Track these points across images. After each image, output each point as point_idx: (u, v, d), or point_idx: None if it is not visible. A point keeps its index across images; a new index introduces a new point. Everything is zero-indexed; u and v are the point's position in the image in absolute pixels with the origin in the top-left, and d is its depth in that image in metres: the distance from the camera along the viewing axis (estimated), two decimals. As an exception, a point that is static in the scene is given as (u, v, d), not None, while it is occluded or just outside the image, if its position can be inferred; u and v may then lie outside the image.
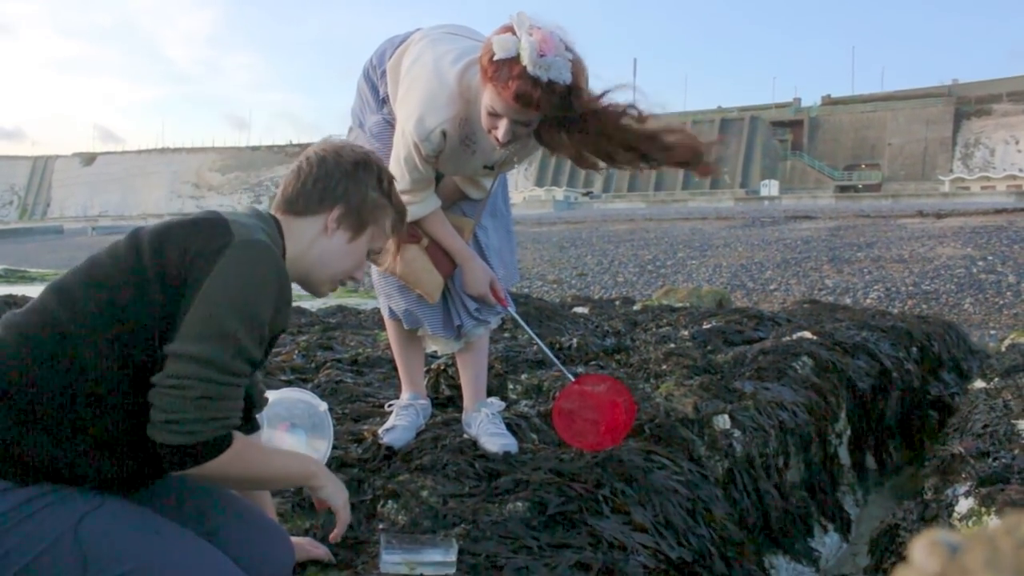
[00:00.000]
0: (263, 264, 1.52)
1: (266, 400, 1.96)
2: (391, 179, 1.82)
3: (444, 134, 2.40)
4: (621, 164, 2.35)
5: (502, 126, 2.25)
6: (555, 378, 3.70)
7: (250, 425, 1.83)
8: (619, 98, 2.28)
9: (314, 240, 1.74)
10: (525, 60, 2.12)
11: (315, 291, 1.84)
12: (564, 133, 2.27)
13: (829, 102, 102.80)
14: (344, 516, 1.79)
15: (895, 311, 8.75)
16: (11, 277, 19.58)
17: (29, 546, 1.38)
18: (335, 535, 1.84)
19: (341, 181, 1.74)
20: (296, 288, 1.78)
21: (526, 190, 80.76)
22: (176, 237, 1.52)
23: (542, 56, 2.11)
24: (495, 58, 2.17)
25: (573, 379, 2.80)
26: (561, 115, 2.22)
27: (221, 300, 1.46)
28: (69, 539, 1.41)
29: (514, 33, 2.16)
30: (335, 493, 1.76)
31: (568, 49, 2.17)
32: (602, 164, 2.36)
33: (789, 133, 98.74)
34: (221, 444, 1.47)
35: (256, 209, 1.74)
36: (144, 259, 1.49)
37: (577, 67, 2.19)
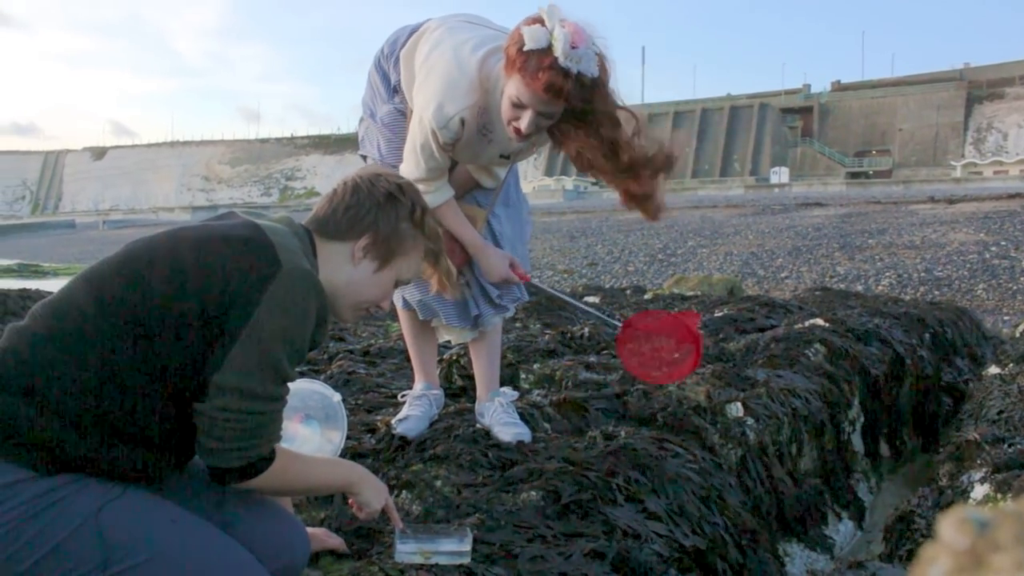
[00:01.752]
0: (309, 295, 1.55)
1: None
2: (425, 209, 1.82)
3: (463, 122, 2.39)
4: (600, 173, 2.37)
5: (526, 117, 2.24)
6: (567, 367, 3.70)
7: None
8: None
9: (341, 266, 1.74)
10: (558, 51, 2.12)
11: (339, 317, 1.83)
12: (575, 128, 2.27)
13: (839, 88, 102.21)
14: (392, 516, 1.92)
15: (907, 298, 8.71)
16: (25, 271, 19.70)
17: (51, 533, 1.40)
18: (394, 520, 1.93)
19: (371, 211, 1.74)
20: None
21: (535, 180, 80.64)
22: (220, 255, 1.52)
23: (574, 48, 2.11)
24: (525, 48, 2.16)
25: (619, 324, 2.74)
26: (581, 108, 2.21)
27: (270, 334, 1.49)
28: (90, 527, 1.42)
29: (543, 24, 2.15)
30: (372, 499, 1.81)
31: (596, 43, 2.17)
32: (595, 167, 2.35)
33: (799, 120, 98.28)
34: (266, 463, 1.56)
35: (292, 223, 1.74)
36: (185, 268, 1.49)
37: (602, 61, 2.19)
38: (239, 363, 1.47)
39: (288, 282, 1.51)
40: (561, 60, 2.12)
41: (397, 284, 1.83)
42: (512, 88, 2.23)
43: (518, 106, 2.25)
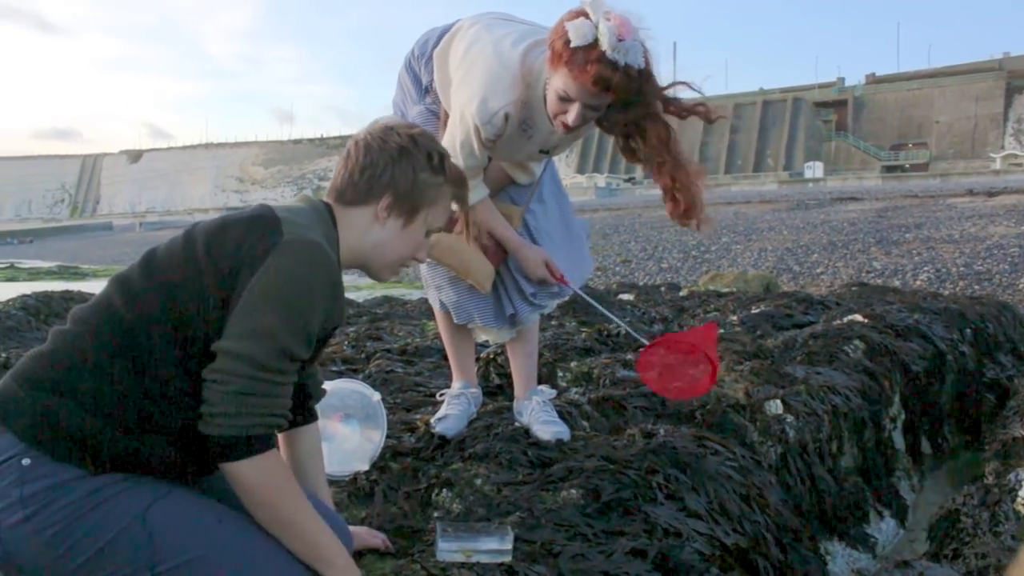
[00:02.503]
0: (310, 263, 1.52)
1: (324, 391, 1.98)
2: (443, 154, 1.77)
3: (507, 117, 2.38)
4: (644, 165, 2.38)
5: (573, 110, 2.24)
6: (604, 365, 3.70)
7: (307, 414, 1.86)
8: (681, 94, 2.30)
9: (367, 230, 1.73)
10: (604, 45, 2.11)
11: (375, 278, 1.83)
12: (626, 117, 2.28)
13: (873, 80, 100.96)
14: None
15: (946, 292, 8.58)
16: (65, 273, 20.05)
17: (100, 533, 1.42)
18: None
19: (387, 169, 1.70)
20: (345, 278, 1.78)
21: (567, 177, 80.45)
22: (229, 236, 1.54)
23: (620, 40, 2.11)
24: (572, 43, 2.16)
25: (647, 343, 2.69)
26: (630, 97, 2.22)
27: (263, 299, 1.47)
28: (138, 526, 1.45)
29: (588, 18, 2.15)
30: None
31: (640, 34, 2.17)
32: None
33: (833, 114, 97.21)
34: (257, 442, 1.48)
35: (311, 199, 1.73)
36: (199, 257, 1.52)
37: (647, 52, 2.19)
38: (234, 329, 1.47)
39: (289, 251, 1.51)
40: (609, 53, 2.11)
41: (428, 234, 1.81)
42: (559, 82, 2.23)
43: (565, 99, 2.25)
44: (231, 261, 1.50)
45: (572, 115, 2.25)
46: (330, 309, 1.58)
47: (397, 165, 1.70)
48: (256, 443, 1.48)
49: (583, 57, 2.14)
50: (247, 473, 1.48)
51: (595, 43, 2.13)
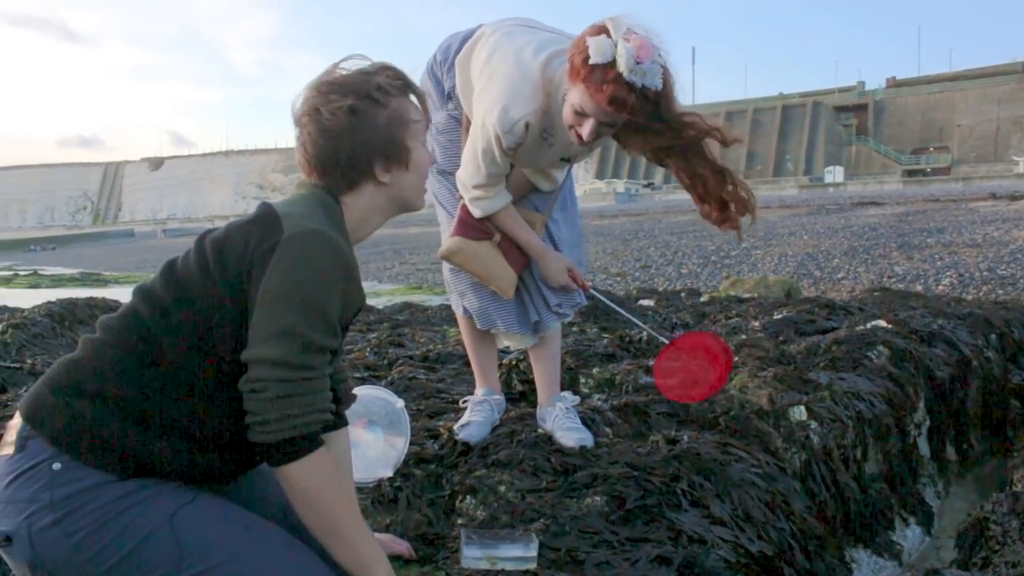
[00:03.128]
0: (315, 253, 1.51)
1: (354, 397, 1.99)
2: (379, 84, 1.66)
3: (527, 126, 2.40)
4: (676, 175, 2.44)
5: (588, 125, 2.25)
6: (627, 371, 3.69)
7: (338, 419, 1.87)
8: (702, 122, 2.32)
9: (379, 197, 1.72)
10: (622, 67, 2.12)
11: (410, 211, 1.82)
12: (638, 136, 2.29)
13: (894, 84, 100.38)
14: None
15: (970, 297, 8.51)
16: (87, 280, 20.22)
17: (128, 537, 1.44)
18: None
19: (352, 145, 1.65)
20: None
21: (587, 183, 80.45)
22: (233, 242, 1.55)
23: (639, 63, 2.11)
24: (590, 61, 2.16)
25: (667, 342, 2.73)
26: (646, 119, 2.22)
27: (277, 300, 1.48)
28: (165, 531, 1.46)
29: (609, 35, 2.15)
30: None
31: (660, 55, 2.17)
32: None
33: (853, 118, 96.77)
34: (302, 443, 1.50)
35: (314, 190, 1.70)
36: (210, 267, 1.53)
37: (666, 73, 2.19)
38: (257, 336, 1.48)
39: (291, 247, 1.50)
40: (626, 75, 2.12)
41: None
42: (575, 97, 2.24)
43: (580, 114, 2.26)
44: (238, 267, 1.51)
45: (586, 130, 2.26)
46: (346, 293, 1.57)
47: (359, 133, 1.65)
48: (301, 443, 1.50)
49: (600, 76, 2.15)
50: (297, 474, 1.50)
51: (613, 63, 2.14)
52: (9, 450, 1.47)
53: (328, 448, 1.86)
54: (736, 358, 4.01)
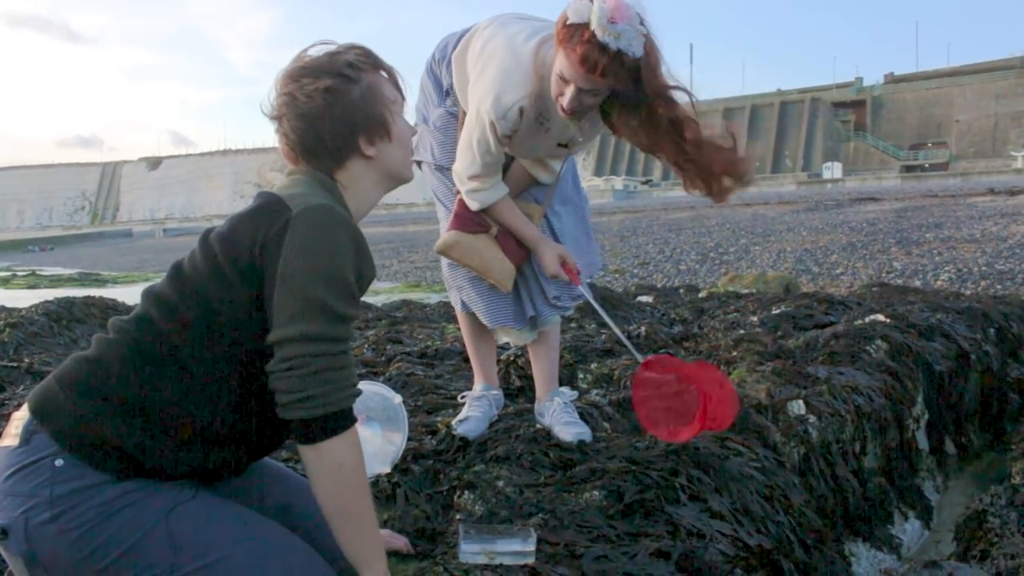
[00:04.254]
0: (327, 224, 1.52)
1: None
2: (348, 61, 1.68)
3: (521, 112, 2.39)
4: (668, 162, 2.37)
5: (568, 92, 2.25)
6: (625, 366, 3.69)
7: None
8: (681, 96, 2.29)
9: (368, 170, 1.73)
10: (594, 24, 2.11)
11: (403, 183, 1.84)
12: (631, 116, 2.26)
13: (892, 80, 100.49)
14: None
15: (969, 292, 8.51)
16: (86, 280, 20.22)
17: (125, 535, 1.44)
18: None
19: (333, 124, 1.67)
20: None
21: (585, 179, 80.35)
22: (241, 233, 1.54)
23: (612, 23, 2.10)
24: (568, 22, 2.17)
25: (641, 361, 2.66)
26: (630, 92, 2.21)
27: (299, 276, 1.48)
28: (161, 528, 1.46)
29: (591, 1, 2.15)
30: None
31: (642, 23, 2.15)
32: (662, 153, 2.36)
33: (851, 114, 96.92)
34: (344, 417, 1.52)
35: (312, 173, 1.70)
36: (220, 262, 1.53)
37: (649, 44, 2.18)
38: (284, 315, 1.48)
39: (302, 223, 1.50)
40: (599, 34, 2.11)
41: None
42: (558, 63, 2.25)
43: (563, 80, 2.25)
44: (249, 256, 1.51)
45: (567, 98, 2.26)
46: (360, 262, 1.58)
47: (337, 107, 1.66)
48: (343, 418, 1.52)
49: (577, 37, 2.15)
50: (337, 449, 1.51)
51: (588, 23, 2.13)
52: (13, 442, 1.47)
53: None
54: (734, 352, 4.01)
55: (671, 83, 2.25)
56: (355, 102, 1.67)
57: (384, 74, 1.75)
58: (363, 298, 1.73)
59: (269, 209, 1.55)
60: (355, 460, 1.53)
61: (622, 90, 2.22)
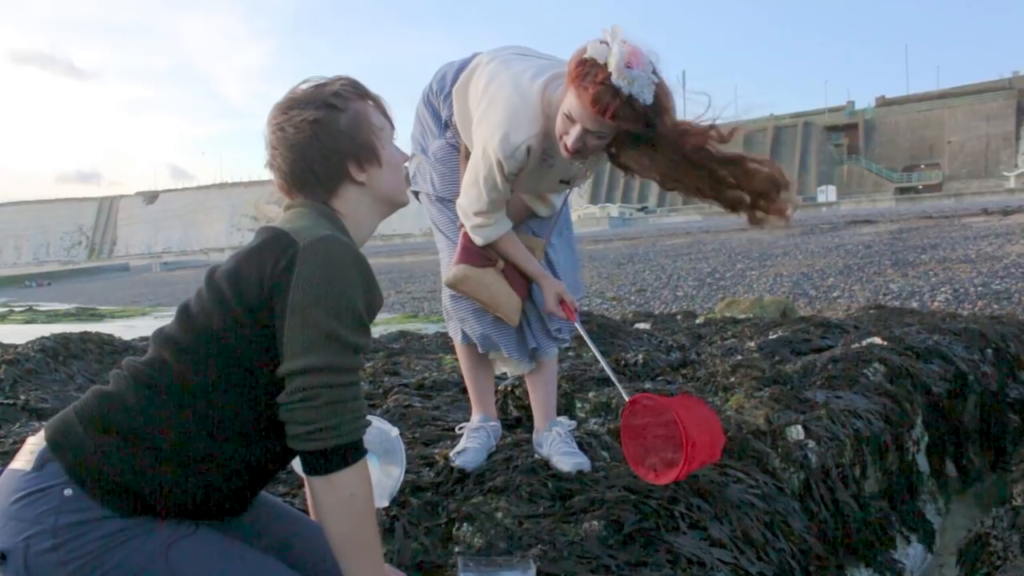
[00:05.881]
0: (335, 255, 1.53)
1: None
2: (335, 91, 1.72)
3: (529, 150, 2.40)
4: (693, 192, 2.35)
5: (574, 132, 2.26)
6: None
7: None
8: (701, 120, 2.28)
9: (362, 197, 1.75)
10: (611, 67, 2.13)
11: (398, 208, 1.86)
12: (640, 155, 2.27)
13: (884, 103, 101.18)
14: None
15: (965, 312, 8.51)
16: (83, 315, 20.20)
17: (125, 568, 1.44)
18: None
19: (321, 152, 1.69)
20: None
21: (580, 208, 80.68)
22: (248, 270, 1.55)
23: (628, 68, 2.12)
24: (583, 59, 2.18)
25: (627, 399, 2.63)
26: (636, 135, 2.22)
27: (309, 309, 1.49)
28: (161, 563, 1.46)
29: (607, 44, 2.17)
30: None
31: (655, 72, 2.17)
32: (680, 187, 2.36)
33: (844, 137, 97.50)
34: (354, 449, 1.53)
35: (312, 205, 1.72)
36: (228, 301, 1.53)
37: (661, 90, 2.19)
38: (295, 347, 1.49)
39: (310, 255, 1.51)
40: (614, 77, 2.13)
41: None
42: (566, 101, 2.26)
43: (569, 119, 2.26)
44: (259, 292, 1.52)
45: (572, 137, 2.27)
46: (368, 290, 1.59)
47: (324, 135, 1.68)
48: (355, 448, 1.53)
49: (591, 77, 2.16)
50: (348, 480, 1.52)
51: (604, 65, 2.15)
52: (26, 466, 1.47)
53: None
54: (732, 378, 4.00)
55: (682, 121, 2.26)
56: (342, 130, 1.70)
57: (371, 103, 1.78)
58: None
59: (276, 244, 1.56)
60: (366, 491, 1.54)
61: (630, 132, 2.23)
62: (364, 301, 1.56)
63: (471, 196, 2.54)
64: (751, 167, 2.30)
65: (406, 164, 1.88)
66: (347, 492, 1.51)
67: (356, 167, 1.72)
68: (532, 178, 2.56)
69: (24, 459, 1.49)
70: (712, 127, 2.27)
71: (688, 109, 2.31)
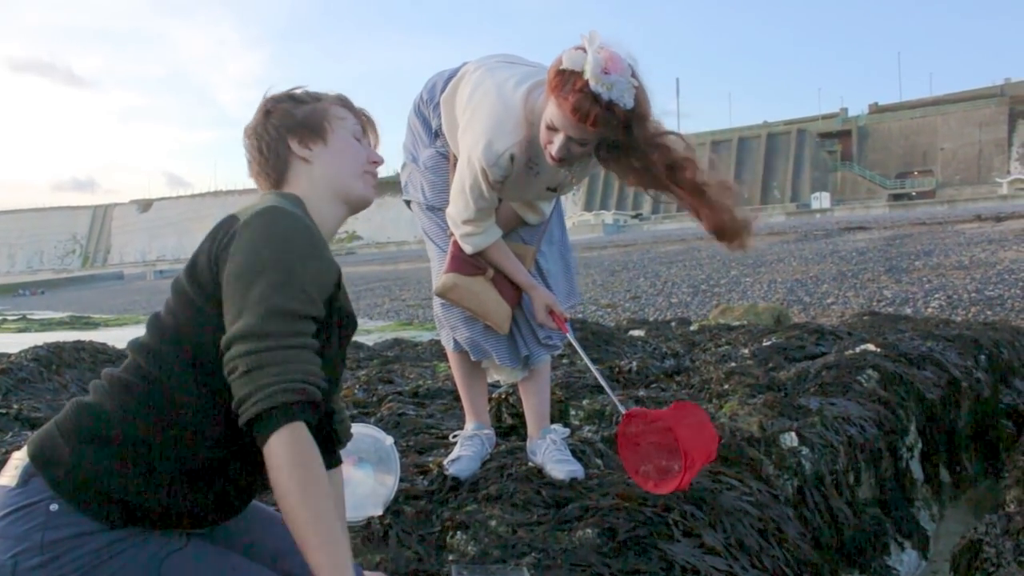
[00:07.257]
0: (273, 224, 1.51)
1: (351, 436, 1.96)
2: (303, 91, 1.77)
3: (512, 158, 2.40)
4: (672, 198, 2.39)
5: (557, 141, 2.26)
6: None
7: (333, 460, 1.86)
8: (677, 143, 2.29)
9: (310, 174, 1.72)
10: (588, 74, 2.13)
11: (363, 203, 1.79)
12: (627, 163, 2.28)
13: (877, 110, 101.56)
14: None
15: (959, 319, 8.54)
16: (77, 323, 20.15)
17: None
18: None
19: (268, 133, 1.72)
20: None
21: (575, 215, 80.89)
22: (200, 255, 1.55)
23: (606, 73, 2.11)
24: (561, 69, 2.18)
25: (624, 412, 2.65)
26: (621, 141, 2.23)
27: (242, 276, 1.46)
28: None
29: (585, 51, 2.17)
30: None
31: (635, 76, 2.18)
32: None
33: (838, 144, 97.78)
34: (281, 413, 1.40)
35: (277, 193, 1.70)
36: (188, 291, 1.53)
37: (641, 95, 2.19)
38: (231, 316, 1.45)
39: (248, 228, 1.50)
40: (592, 84, 2.13)
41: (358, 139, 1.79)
42: (548, 111, 2.26)
43: (551, 129, 2.27)
44: (209, 274, 1.51)
45: (556, 146, 2.27)
46: (315, 258, 1.52)
47: (270, 120, 1.72)
48: (280, 413, 1.39)
49: (569, 85, 2.16)
50: (275, 447, 1.39)
51: (581, 72, 2.15)
52: (11, 482, 1.46)
53: None
54: (726, 385, 4.00)
55: (662, 131, 2.26)
56: (294, 114, 1.73)
57: (351, 113, 1.80)
58: (354, 337, 1.72)
59: (221, 225, 1.56)
60: (297, 457, 1.39)
61: (614, 139, 2.24)
62: (309, 269, 1.50)
63: (459, 205, 2.55)
64: (712, 204, 2.33)
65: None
66: (276, 459, 1.39)
67: (297, 142, 1.71)
68: (519, 186, 2.56)
69: (9, 475, 1.47)
70: (689, 159, 2.27)
71: (683, 116, 2.33)
